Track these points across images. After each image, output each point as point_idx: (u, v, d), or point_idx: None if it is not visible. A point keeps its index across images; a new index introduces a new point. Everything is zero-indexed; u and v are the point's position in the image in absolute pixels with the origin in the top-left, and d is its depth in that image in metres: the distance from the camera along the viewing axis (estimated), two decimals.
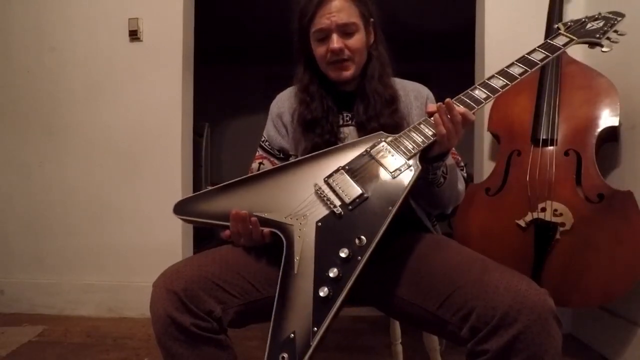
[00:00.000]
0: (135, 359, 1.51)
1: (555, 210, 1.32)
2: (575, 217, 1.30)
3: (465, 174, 1.07)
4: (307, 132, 1.00)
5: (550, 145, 1.40)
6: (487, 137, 1.75)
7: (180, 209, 0.85)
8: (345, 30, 0.96)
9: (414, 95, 1.07)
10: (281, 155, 1.10)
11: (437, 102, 1.08)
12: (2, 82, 2.03)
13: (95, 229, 2.00)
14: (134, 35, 1.96)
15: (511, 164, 1.46)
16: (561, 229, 1.31)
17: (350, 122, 1.03)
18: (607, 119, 1.39)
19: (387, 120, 0.97)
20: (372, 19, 1.02)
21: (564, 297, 1.30)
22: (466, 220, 1.50)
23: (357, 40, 0.98)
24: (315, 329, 0.65)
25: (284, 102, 1.10)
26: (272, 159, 1.10)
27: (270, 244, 0.82)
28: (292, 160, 0.97)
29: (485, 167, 1.78)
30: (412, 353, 1.40)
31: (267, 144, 1.11)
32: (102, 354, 1.55)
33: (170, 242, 1.94)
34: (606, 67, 1.46)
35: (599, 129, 1.39)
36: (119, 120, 1.99)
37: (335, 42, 0.95)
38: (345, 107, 1.04)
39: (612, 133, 1.44)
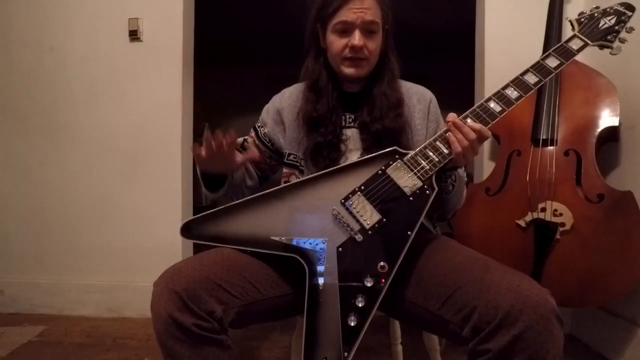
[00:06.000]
0: (135, 359, 1.51)
1: (555, 210, 1.32)
2: (575, 217, 1.30)
3: (465, 178, 1.07)
4: (311, 130, 1.00)
5: (550, 145, 1.40)
6: None
7: (188, 231, 0.83)
8: (369, 29, 0.96)
9: (417, 98, 1.07)
10: (271, 147, 1.10)
11: (441, 105, 1.09)
12: (2, 82, 2.03)
13: (95, 229, 2.00)
14: (134, 35, 1.96)
15: (511, 164, 1.46)
16: (561, 229, 1.31)
17: (352, 124, 1.03)
18: (607, 119, 1.39)
19: (391, 123, 0.97)
20: (387, 26, 1.02)
21: (565, 297, 1.30)
22: (466, 220, 1.50)
23: (376, 42, 0.98)
24: (346, 354, 0.69)
25: (286, 99, 1.10)
26: (257, 142, 1.11)
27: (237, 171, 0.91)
28: (304, 177, 0.95)
29: (485, 167, 1.78)
30: (412, 353, 1.40)
31: (262, 129, 1.11)
32: (102, 354, 1.55)
33: (170, 242, 1.93)
34: (606, 67, 1.46)
35: (599, 129, 1.39)
36: (119, 120, 1.99)
37: (358, 39, 0.95)
38: (349, 109, 1.04)
39: (612, 133, 1.44)
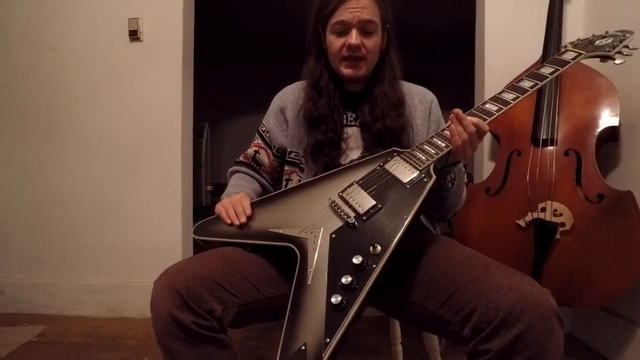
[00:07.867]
0: (135, 359, 1.51)
1: (555, 210, 1.32)
2: (575, 217, 1.30)
3: (466, 179, 1.07)
4: (311, 128, 1.01)
5: (550, 145, 1.41)
6: (487, 137, 1.75)
7: (201, 231, 0.90)
8: (366, 29, 0.96)
9: (418, 99, 1.07)
10: (277, 154, 1.11)
11: (440, 105, 1.10)
12: (2, 82, 2.03)
13: (95, 229, 2.00)
14: (134, 35, 1.96)
15: (511, 164, 1.47)
16: (561, 229, 1.31)
17: (353, 122, 1.03)
18: (607, 119, 1.39)
19: (392, 122, 0.98)
20: (387, 25, 1.02)
21: (565, 297, 1.30)
22: (466, 220, 1.50)
23: (374, 41, 0.98)
24: (328, 339, 0.61)
25: (288, 97, 1.10)
26: (269, 151, 1.12)
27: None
28: (306, 180, 0.97)
29: (485, 167, 1.78)
30: (412, 353, 1.40)
31: (267, 135, 1.12)
32: (102, 354, 1.55)
33: (170, 242, 1.93)
34: (606, 67, 1.46)
35: (599, 129, 1.39)
36: (118, 120, 1.99)
37: (354, 38, 0.95)
38: (350, 107, 1.04)
39: (612, 133, 1.44)
